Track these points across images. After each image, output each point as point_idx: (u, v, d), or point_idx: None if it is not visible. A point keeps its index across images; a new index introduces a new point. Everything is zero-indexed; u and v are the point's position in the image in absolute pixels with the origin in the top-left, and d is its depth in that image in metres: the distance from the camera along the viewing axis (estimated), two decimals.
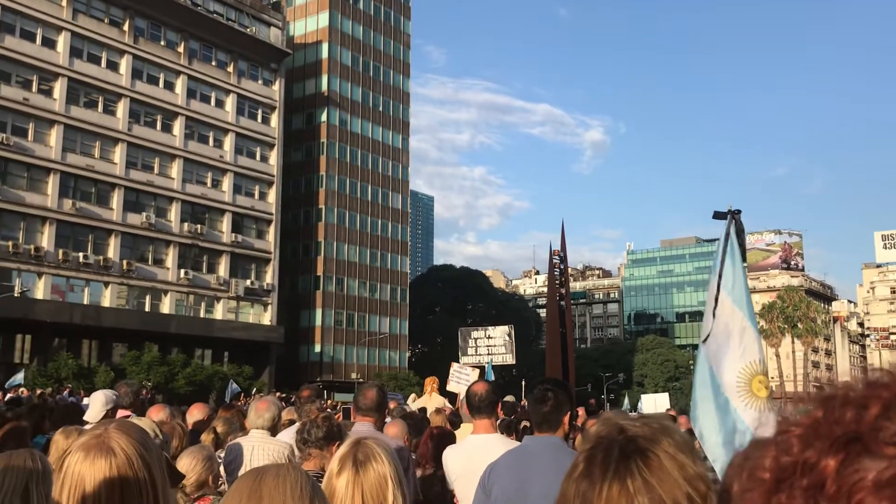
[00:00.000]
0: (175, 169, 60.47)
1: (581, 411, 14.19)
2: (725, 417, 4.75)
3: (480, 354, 28.57)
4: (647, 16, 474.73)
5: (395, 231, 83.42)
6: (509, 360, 29.04)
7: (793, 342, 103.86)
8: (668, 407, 27.51)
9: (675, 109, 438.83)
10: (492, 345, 29.20)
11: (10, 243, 49.52)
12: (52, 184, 52.74)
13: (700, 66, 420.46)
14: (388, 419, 9.15)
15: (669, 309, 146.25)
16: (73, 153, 54.19)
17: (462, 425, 8.38)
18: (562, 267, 24.89)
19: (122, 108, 57.55)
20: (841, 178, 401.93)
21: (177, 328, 57.50)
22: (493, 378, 24.52)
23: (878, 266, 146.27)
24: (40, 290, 51.29)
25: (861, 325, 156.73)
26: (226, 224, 63.65)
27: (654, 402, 31.81)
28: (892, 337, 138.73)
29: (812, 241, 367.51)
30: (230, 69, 65.54)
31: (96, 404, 6.70)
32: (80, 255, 53.05)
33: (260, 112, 67.98)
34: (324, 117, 77.19)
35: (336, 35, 79.02)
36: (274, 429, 5.69)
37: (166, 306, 58.68)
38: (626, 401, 47.97)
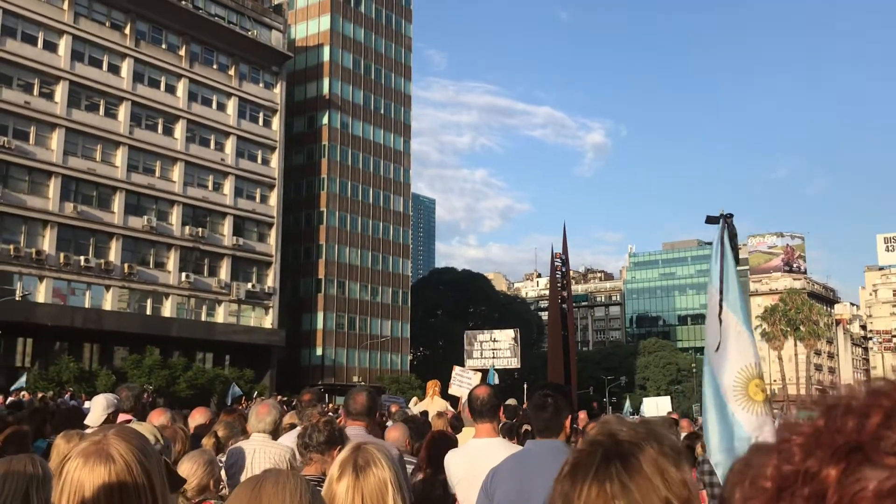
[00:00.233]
0: (176, 172, 60.52)
1: (583, 415, 14.18)
2: (725, 422, 4.76)
3: (486, 357, 28.57)
4: (647, 18, 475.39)
5: (396, 234, 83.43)
6: (514, 363, 29.06)
7: (795, 345, 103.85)
8: (670, 410, 27.49)
9: (675, 112, 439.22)
10: (497, 348, 29.19)
11: (11, 247, 49.55)
12: (53, 187, 52.79)
13: (700, 68, 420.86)
14: (389, 423, 9.14)
15: (671, 312, 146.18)
16: (75, 156, 54.24)
17: (464, 429, 8.36)
18: (563, 270, 24.88)
19: (123, 112, 57.63)
20: (843, 181, 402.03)
21: (178, 331, 57.50)
22: (496, 381, 24.55)
23: (881, 268, 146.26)
24: (41, 294, 51.31)
25: (864, 327, 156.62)
26: (227, 227, 63.68)
27: (656, 406, 31.76)
28: (895, 340, 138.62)
29: (814, 243, 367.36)
30: (231, 72, 65.62)
31: (97, 408, 6.69)
32: (82, 258, 53.08)
33: (261, 115, 68.05)
34: (325, 120, 77.26)
35: (337, 38, 79.11)
36: (275, 432, 5.69)
37: (168, 310, 58.70)
38: (628, 404, 47.91)
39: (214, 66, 64.55)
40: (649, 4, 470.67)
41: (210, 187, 63.07)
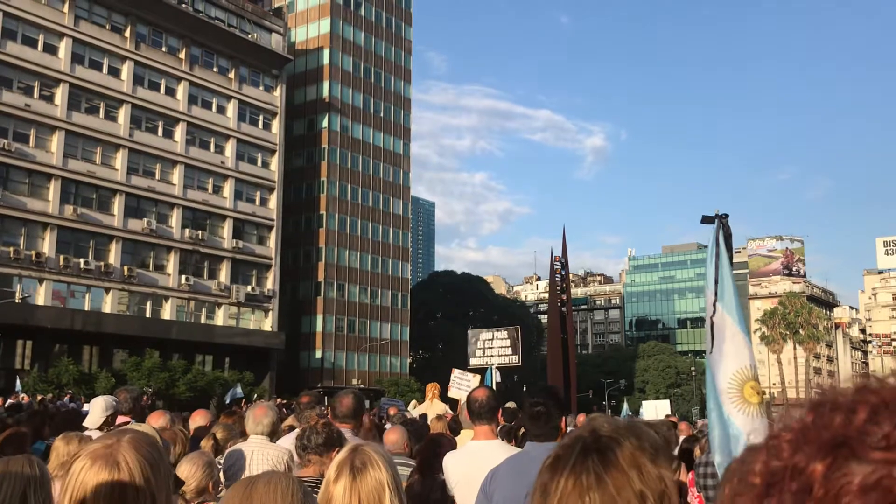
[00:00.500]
0: (176, 175, 60.54)
1: (582, 417, 14.17)
2: (723, 424, 4.76)
3: (489, 356, 28.59)
4: (647, 22, 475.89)
5: (396, 237, 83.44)
6: (515, 360, 29.08)
7: (794, 348, 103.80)
8: (668, 413, 27.49)
9: (675, 115, 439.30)
10: (500, 346, 29.25)
11: (11, 249, 49.56)
12: (53, 190, 52.80)
13: (701, 72, 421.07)
14: (388, 425, 9.14)
15: (671, 315, 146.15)
16: (75, 159, 54.26)
17: (462, 431, 8.37)
18: (563, 273, 24.87)
19: (123, 114, 57.66)
20: (842, 185, 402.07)
21: (178, 334, 57.48)
22: (498, 379, 24.55)
23: (880, 272, 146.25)
24: (41, 296, 51.30)
25: (863, 331, 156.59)
26: (227, 230, 63.69)
27: (655, 409, 31.80)
28: (894, 343, 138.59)
29: (814, 247, 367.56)
30: (231, 75, 65.68)
31: (96, 410, 6.69)
32: (81, 261, 53.07)
33: (261, 118, 68.09)
34: (325, 123, 77.30)
35: (337, 41, 79.18)
36: (273, 434, 5.69)
37: (167, 312, 58.69)
38: (626, 407, 47.88)
39: (214, 69, 64.60)
40: (650, 9, 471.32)
41: (210, 190, 63.09)
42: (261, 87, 68.25)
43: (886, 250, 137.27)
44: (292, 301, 72.46)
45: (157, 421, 6.47)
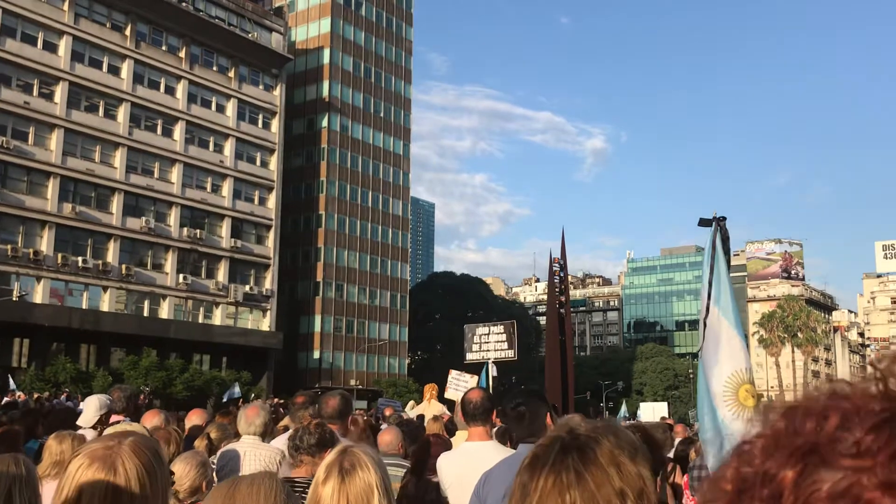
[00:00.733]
0: (175, 173, 60.52)
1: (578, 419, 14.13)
2: (716, 426, 4.73)
3: (485, 351, 28.67)
4: (648, 25, 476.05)
5: (395, 237, 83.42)
6: (510, 355, 29.18)
7: (793, 351, 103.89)
8: (665, 416, 27.49)
9: (675, 118, 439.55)
10: (496, 340, 29.34)
11: (9, 247, 49.52)
12: (51, 187, 52.78)
13: (701, 75, 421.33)
14: (383, 426, 9.12)
15: (669, 317, 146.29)
16: (74, 157, 54.24)
17: (457, 432, 8.35)
18: (562, 275, 24.82)
19: (122, 113, 57.64)
20: (842, 188, 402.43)
21: (175, 333, 57.44)
22: (494, 373, 24.54)
23: (879, 276, 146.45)
24: (39, 294, 51.27)
25: (861, 334, 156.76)
26: (225, 229, 63.66)
27: (653, 411, 31.84)
28: (893, 347, 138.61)
29: (813, 250, 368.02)
30: (231, 74, 65.66)
31: (90, 409, 6.68)
32: (79, 259, 53.05)
33: (261, 117, 68.07)
34: (324, 123, 77.29)
35: (338, 41, 79.17)
36: (265, 435, 5.68)
37: (165, 311, 58.66)
38: (624, 408, 47.89)
39: (214, 68, 64.59)
40: (651, 12, 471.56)
41: (209, 189, 63.08)
42: (260, 87, 68.25)
43: (885, 254, 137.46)
44: (290, 301, 72.42)
45: (151, 420, 6.45)
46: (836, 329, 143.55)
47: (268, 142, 68.21)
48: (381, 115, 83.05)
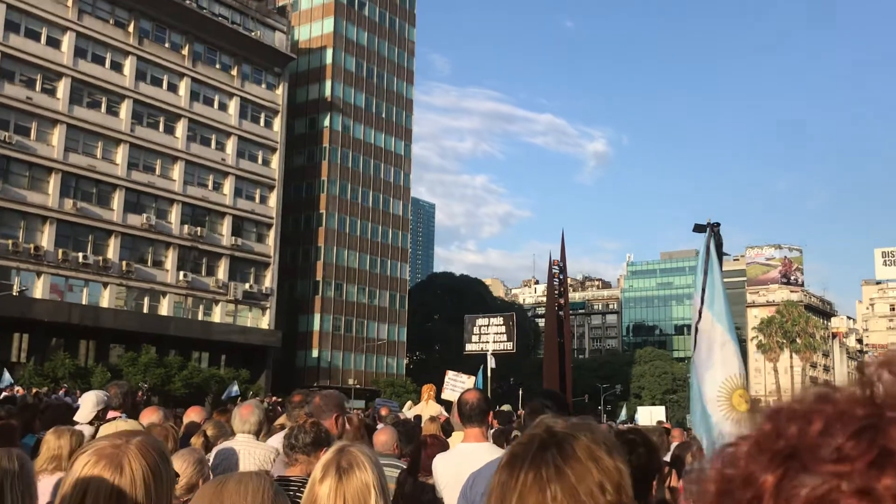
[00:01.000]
0: (176, 171, 60.55)
1: None
2: (710, 430, 4.74)
3: (484, 342, 28.78)
4: (650, 29, 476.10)
5: (395, 238, 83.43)
6: (510, 347, 29.31)
7: (791, 357, 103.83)
8: (662, 420, 27.44)
9: (677, 122, 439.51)
10: (495, 332, 29.48)
11: (9, 242, 49.54)
12: (53, 183, 52.80)
13: (703, 80, 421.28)
14: (379, 425, 9.12)
15: (668, 321, 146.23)
16: (76, 153, 54.26)
17: (453, 433, 8.35)
18: (561, 277, 24.82)
19: (125, 109, 57.67)
20: (842, 195, 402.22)
21: (175, 330, 57.47)
22: (493, 365, 24.60)
23: (878, 283, 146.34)
24: (39, 290, 51.28)
25: (860, 341, 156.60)
26: (226, 227, 63.69)
27: (650, 414, 31.80)
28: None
29: (812, 256, 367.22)
30: (234, 72, 65.69)
31: (87, 405, 6.69)
32: (80, 255, 53.06)
33: (263, 116, 68.10)
34: (326, 122, 77.31)
35: (340, 41, 79.19)
36: (259, 433, 5.68)
37: (165, 308, 58.67)
38: (624, 412, 47.91)
39: (217, 66, 64.62)
40: (653, 16, 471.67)
41: (210, 187, 63.10)
42: (263, 85, 68.27)
43: (885, 261, 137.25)
44: (290, 299, 72.42)
45: (149, 417, 6.47)
46: (834, 335, 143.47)
47: (269, 140, 68.24)
48: (383, 115, 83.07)
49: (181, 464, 4.42)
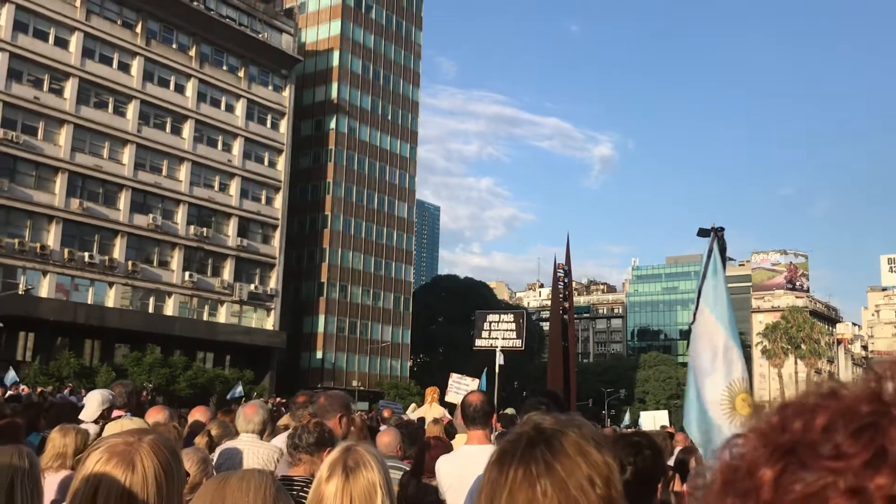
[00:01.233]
0: (183, 172, 60.68)
1: None
2: (711, 433, 4.73)
3: (494, 338, 28.81)
4: (657, 33, 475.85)
5: (400, 240, 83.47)
6: (519, 345, 29.37)
7: (795, 363, 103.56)
8: (665, 424, 27.36)
9: (682, 126, 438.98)
10: (505, 329, 29.56)
11: (16, 241, 49.69)
12: (59, 183, 52.95)
13: (708, 85, 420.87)
14: (382, 427, 9.13)
15: (673, 326, 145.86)
16: (82, 153, 54.42)
17: (457, 436, 8.35)
18: (566, 281, 24.79)
19: (132, 110, 57.82)
20: (848, 201, 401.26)
21: (180, 330, 57.56)
22: (501, 362, 24.58)
23: (884, 289, 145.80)
24: (45, 289, 51.41)
25: (865, 348, 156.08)
26: (232, 228, 63.79)
27: (654, 419, 31.63)
28: None
29: (818, 262, 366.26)
30: (241, 74, 65.83)
31: (92, 404, 6.71)
32: (86, 254, 53.19)
33: (269, 117, 68.23)
34: (332, 125, 77.42)
35: (347, 43, 79.31)
36: (263, 433, 5.70)
37: (170, 308, 58.78)
38: (627, 417, 47.78)
39: (224, 68, 64.77)
40: (659, 20, 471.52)
41: (216, 188, 63.22)
42: (270, 87, 68.41)
43: (891, 267, 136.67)
44: (295, 301, 72.52)
45: (155, 416, 6.48)
46: (839, 341, 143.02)
47: (276, 142, 68.36)
48: (389, 117, 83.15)
49: (185, 463, 4.43)
